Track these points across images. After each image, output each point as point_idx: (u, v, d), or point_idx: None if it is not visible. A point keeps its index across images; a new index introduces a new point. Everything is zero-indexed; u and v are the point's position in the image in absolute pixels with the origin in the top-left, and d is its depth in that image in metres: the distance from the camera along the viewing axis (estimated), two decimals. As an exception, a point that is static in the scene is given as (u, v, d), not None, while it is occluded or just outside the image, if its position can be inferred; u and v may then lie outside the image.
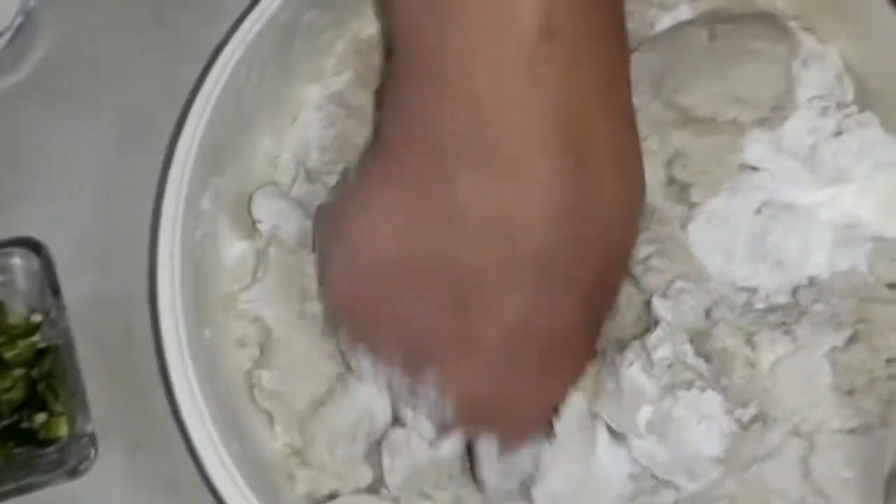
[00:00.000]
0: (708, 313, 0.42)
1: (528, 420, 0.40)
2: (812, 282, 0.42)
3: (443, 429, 0.40)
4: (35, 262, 0.45)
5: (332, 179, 0.46)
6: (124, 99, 0.50)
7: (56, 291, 0.45)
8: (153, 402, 0.45)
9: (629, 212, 0.39)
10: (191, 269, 0.41)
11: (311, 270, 0.44)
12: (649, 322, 0.41)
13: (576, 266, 0.37)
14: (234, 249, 0.45)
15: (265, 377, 0.42)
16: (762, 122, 0.43)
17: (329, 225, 0.41)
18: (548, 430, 0.40)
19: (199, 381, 0.40)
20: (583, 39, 0.34)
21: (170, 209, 0.41)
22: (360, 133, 0.46)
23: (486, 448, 0.40)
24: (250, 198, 0.44)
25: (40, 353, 0.45)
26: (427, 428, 0.40)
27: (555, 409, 0.40)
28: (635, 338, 0.40)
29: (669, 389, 0.39)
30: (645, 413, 0.39)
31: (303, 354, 0.43)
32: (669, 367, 0.39)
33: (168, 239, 0.41)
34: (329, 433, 0.42)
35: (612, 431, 0.40)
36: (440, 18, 0.34)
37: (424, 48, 0.35)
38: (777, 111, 0.44)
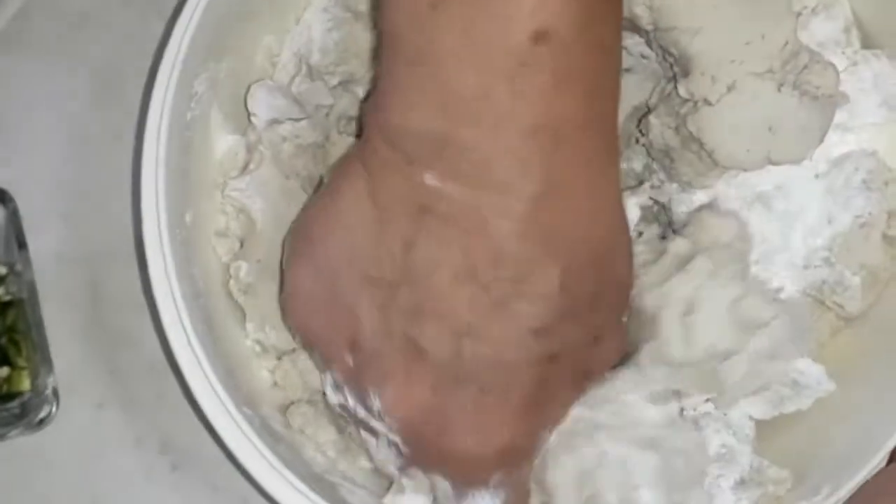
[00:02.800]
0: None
1: (480, 458, 0.37)
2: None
3: (402, 463, 0.39)
4: (0, 213, 0.44)
5: (333, 80, 0.45)
6: (98, 52, 0.49)
7: (22, 244, 0.45)
8: (119, 360, 0.45)
9: (603, 247, 0.36)
10: (177, 150, 0.40)
11: (304, 170, 0.43)
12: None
13: (539, 291, 0.35)
14: (226, 142, 0.44)
15: (243, 269, 0.41)
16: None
17: (295, 230, 0.40)
18: (511, 477, 0.38)
19: (176, 263, 0.39)
20: (574, 47, 0.32)
21: (162, 84, 0.40)
22: (365, 38, 0.45)
23: (441, 487, 0.38)
24: (247, 90, 0.43)
25: (4, 307, 0.44)
26: (389, 460, 0.39)
27: (519, 455, 0.38)
28: None
29: None
30: None
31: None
32: None
33: (157, 114, 0.40)
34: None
35: None
36: (433, 20, 0.32)
37: (413, 49, 0.33)
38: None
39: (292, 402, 0.41)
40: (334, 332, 0.38)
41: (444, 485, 0.38)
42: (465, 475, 0.37)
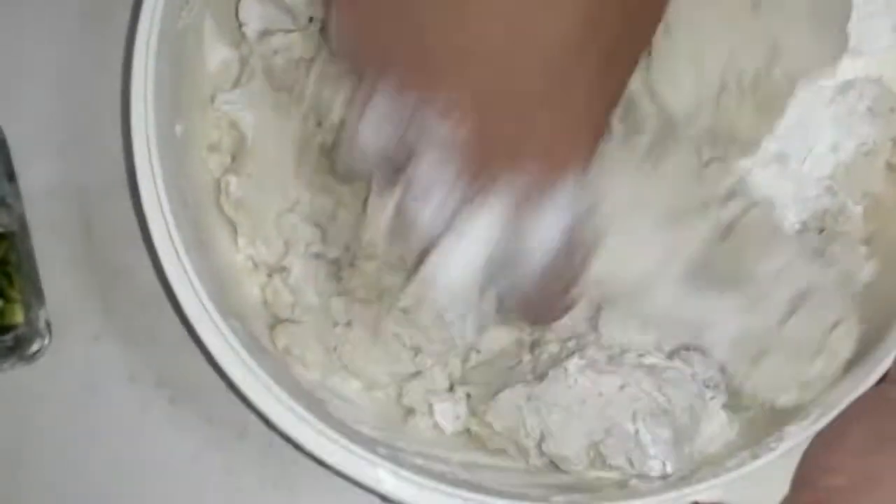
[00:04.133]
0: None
1: (552, 158, 0.35)
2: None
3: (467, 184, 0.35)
4: None
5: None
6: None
7: (12, 176, 0.44)
8: (114, 294, 0.45)
9: None
10: (168, 60, 0.40)
11: (296, 85, 0.42)
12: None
13: None
14: (219, 55, 0.43)
15: (233, 183, 0.41)
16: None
17: None
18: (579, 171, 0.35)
19: (165, 178, 0.38)
20: None
21: (152, -6, 0.39)
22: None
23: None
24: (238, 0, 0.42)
25: None
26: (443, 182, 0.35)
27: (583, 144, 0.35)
28: None
29: None
30: None
31: (274, 165, 0.42)
32: None
33: (147, 23, 0.39)
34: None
35: None
36: None
37: None
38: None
39: (280, 322, 0.41)
40: (391, 40, 0.35)
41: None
42: (537, 178, 0.35)
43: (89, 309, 0.45)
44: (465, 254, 0.35)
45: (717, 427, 0.40)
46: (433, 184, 0.35)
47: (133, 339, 0.45)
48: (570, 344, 0.41)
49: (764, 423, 0.39)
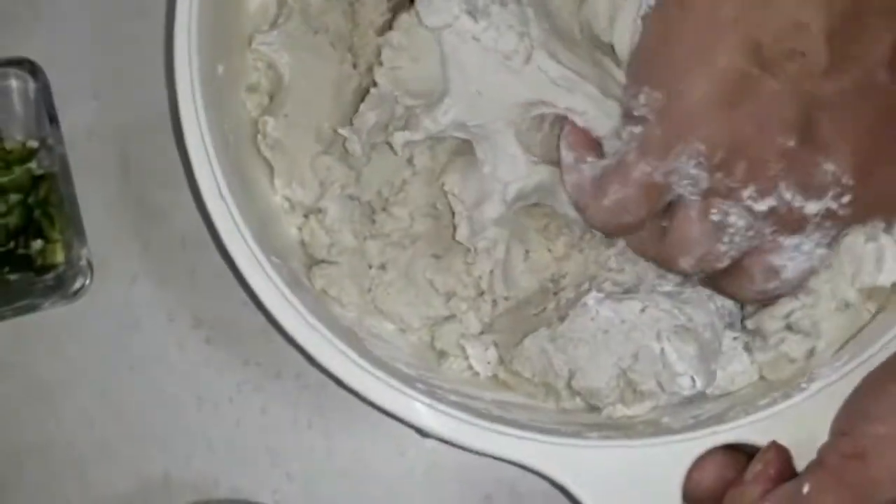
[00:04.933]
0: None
1: None
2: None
3: None
4: (31, 85, 0.44)
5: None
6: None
7: (53, 118, 0.44)
8: (152, 234, 0.46)
9: None
10: (209, 4, 0.40)
11: (333, 25, 0.42)
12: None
13: None
14: (258, -2, 0.43)
15: (270, 124, 0.41)
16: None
17: None
18: None
19: (208, 117, 0.39)
20: None
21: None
22: None
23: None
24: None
25: (36, 181, 0.45)
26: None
27: None
28: None
29: None
30: None
31: (311, 106, 0.42)
32: None
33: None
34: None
35: None
36: None
37: None
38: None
39: (316, 262, 0.42)
40: None
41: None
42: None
43: (129, 249, 0.46)
44: None
45: (739, 367, 0.40)
46: None
47: (171, 279, 0.46)
48: (586, 286, 0.41)
49: (788, 368, 0.40)
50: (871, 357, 0.38)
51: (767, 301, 0.39)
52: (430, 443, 0.44)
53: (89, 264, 0.45)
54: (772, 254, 0.37)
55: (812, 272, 0.38)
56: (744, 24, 0.34)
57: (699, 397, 0.40)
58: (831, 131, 0.35)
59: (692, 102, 0.35)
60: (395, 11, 0.41)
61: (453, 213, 0.41)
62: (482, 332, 0.42)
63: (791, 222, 0.36)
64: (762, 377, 0.40)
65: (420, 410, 0.37)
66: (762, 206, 0.36)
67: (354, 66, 0.43)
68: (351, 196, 0.42)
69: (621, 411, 0.40)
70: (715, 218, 0.36)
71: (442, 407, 0.37)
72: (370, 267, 0.42)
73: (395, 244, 0.42)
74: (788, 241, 0.37)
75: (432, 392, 0.38)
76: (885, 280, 0.38)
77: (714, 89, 0.35)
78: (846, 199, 0.36)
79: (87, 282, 0.45)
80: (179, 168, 0.45)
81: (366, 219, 0.42)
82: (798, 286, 0.38)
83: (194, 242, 0.45)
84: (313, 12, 0.42)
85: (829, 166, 0.35)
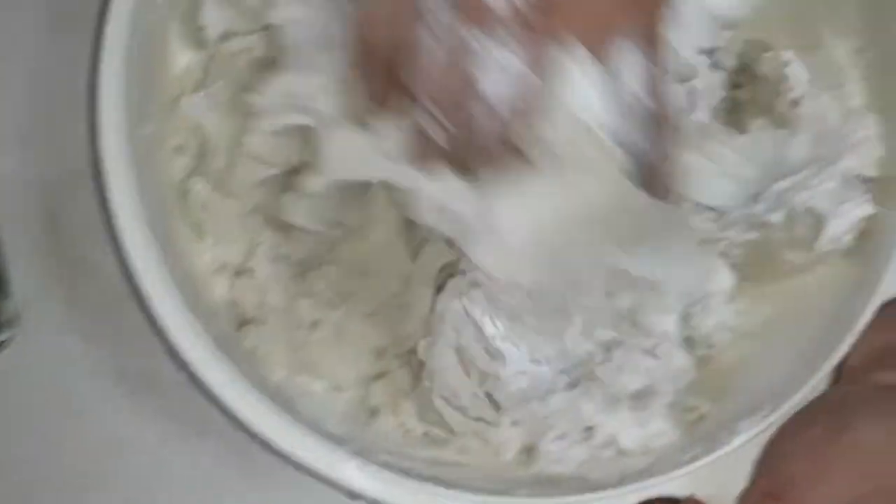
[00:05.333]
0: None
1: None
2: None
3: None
4: None
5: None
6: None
7: None
8: (78, 288, 0.46)
9: None
10: (134, 66, 0.40)
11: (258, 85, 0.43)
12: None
13: None
14: (183, 58, 0.44)
15: (199, 185, 0.41)
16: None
17: None
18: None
19: (132, 177, 0.39)
20: None
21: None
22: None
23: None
24: (199, 4, 0.43)
25: None
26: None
27: None
28: None
29: None
30: None
31: (240, 167, 0.42)
32: None
33: (115, 26, 0.39)
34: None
35: None
36: None
37: None
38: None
39: (246, 322, 0.42)
40: None
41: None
42: (595, 19, 0.34)
43: (54, 302, 0.46)
44: None
45: (662, 425, 0.41)
46: None
47: (96, 333, 0.46)
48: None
49: (712, 424, 0.41)
50: (790, 409, 0.39)
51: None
52: (359, 504, 0.44)
53: (15, 317, 0.45)
54: (470, 59, 0.33)
55: (516, 101, 0.34)
56: None
57: (626, 453, 0.41)
58: None
59: None
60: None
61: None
62: (415, 389, 0.42)
63: (472, 10, 0.33)
64: (685, 432, 0.41)
65: (349, 473, 0.37)
66: None
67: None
68: (282, 255, 0.42)
69: (552, 468, 0.41)
70: None
71: (371, 468, 0.37)
72: (300, 326, 0.42)
73: (327, 303, 0.42)
74: (482, 43, 0.33)
75: (362, 452, 0.38)
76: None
77: None
78: None
79: (13, 334, 0.45)
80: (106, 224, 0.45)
81: (297, 277, 0.42)
82: (502, 114, 0.34)
83: (120, 296, 0.45)
84: (238, 75, 0.42)
85: None
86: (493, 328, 0.40)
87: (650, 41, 0.35)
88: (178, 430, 0.45)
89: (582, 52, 0.33)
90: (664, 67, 0.35)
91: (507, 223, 0.34)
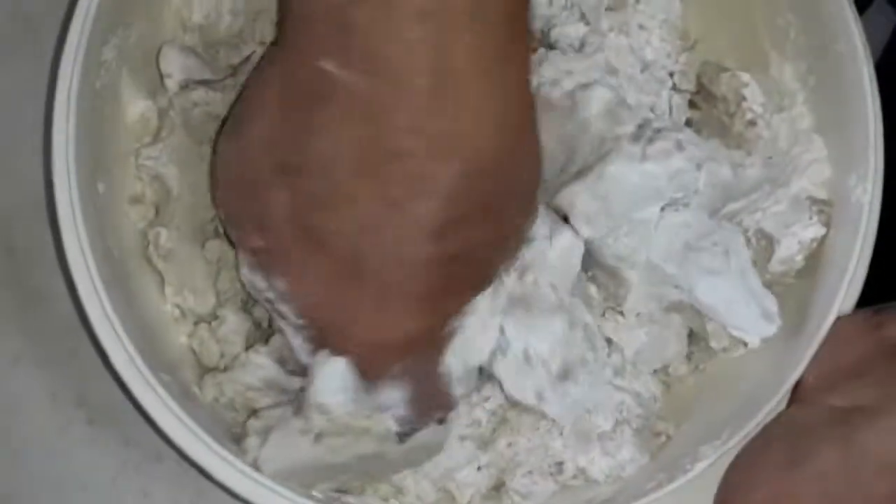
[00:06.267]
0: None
1: (378, 349, 0.38)
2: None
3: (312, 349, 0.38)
4: None
5: (246, 49, 0.45)
6: (6, 5, 0.48)
7: None
8: (33, 316, 0.45)
9: (507, 148, 0.35)
10: (87, 120, 0.40)
11: (216, 133, 0.43)
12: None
13: (437, 191, 0.34)
14: (137, 108, 0.44)
15: (163, 235, 0.42)
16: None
17: (228, 115, 0.41)
18: (416, 369, 0.38)
19: (90, 234, 0.39)
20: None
21: (69, 56, 0.40)
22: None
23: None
24: (158, 51, 0.43)
25: None
26: (302, 347, 0.39)
27: (418, 348, 0.38)
28: None
29: None
30: None
31: (199, 217, 0.42)
32: None
33: (65, 86, 0.39)
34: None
35: None
36: None
37: None
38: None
39: (208, 370, 0.42)
40: (246, 214, 0.38)
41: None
42: (367, 364, 0.37)
43: (10, 331, 0.45)
44: None
45: (628, 454, 0.42)
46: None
47: (53, 360, 0.45)
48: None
49: (676, 449, 0.41)
50: (748, 434, 0.39)
51: None
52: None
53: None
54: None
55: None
56: None
57: (591, 483, 0.41)
58: None
59: None
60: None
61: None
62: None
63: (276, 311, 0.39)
64: (651, 459, 0.42)
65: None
66: None
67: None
68: (246, 309, 0.43)
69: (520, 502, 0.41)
70: None
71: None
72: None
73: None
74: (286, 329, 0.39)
75: (327, 500, 0.38)
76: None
77: None
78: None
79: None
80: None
81: (258, 331, 0.43)
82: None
83: (76, 324, 0.45)
84: (196, 123, 0.43)
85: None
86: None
87: (419, 383, 0.38)
88: (137, 455, 0.45)
89: (344, 367, 0.38)
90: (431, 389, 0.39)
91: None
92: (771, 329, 0.41)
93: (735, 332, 0.41)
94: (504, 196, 0.36)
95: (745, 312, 0.41)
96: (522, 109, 0.36)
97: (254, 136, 0.37)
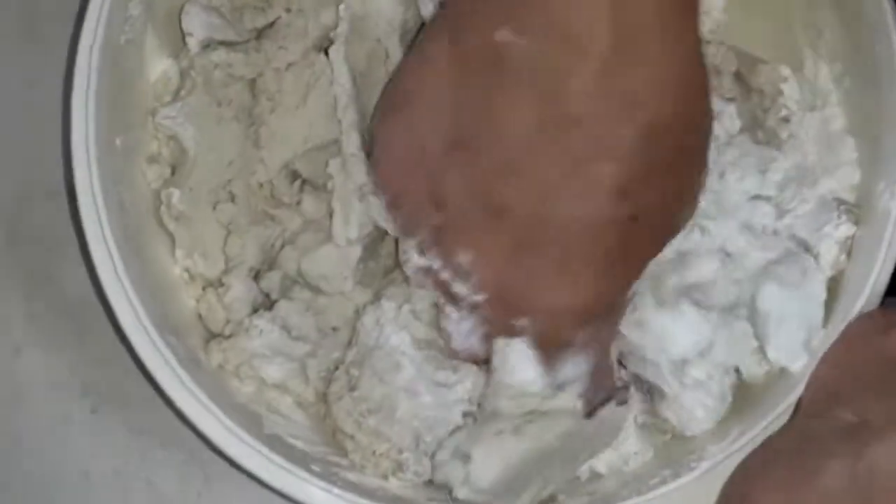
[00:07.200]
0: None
1: (563, 315, 0.38)
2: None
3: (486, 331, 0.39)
4: None
5: (272, 13, 0.44)
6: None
7: None
8: (39, 301, 0.45)
9: (682, 105, 0.35)
10: (109, 74, 0.40)
11: (236, 98, 0.42)
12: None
13: (617, 151, 0.35)
14: (160, 66, 0.43)
15: (175, 196, 0.41)
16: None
17: (387, 91, 0.40)
18: (595, 337, 0.38)
19: (104, 188, 0.39)
20: None
21: (95, 8, 0.39)
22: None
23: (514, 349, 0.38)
24: (181, 9, 0.42)
25: None
26: (471, 335, 0.39)
27: (601, 314, 0.38)
28: None
29: None
30: None
31: (215, 179, 0.42)
32: None
33: (90, 36, 0.39)
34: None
35: None
36: None
37: None
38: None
39: (214, 336, 0.41)
40: (421, 192, 0.38)
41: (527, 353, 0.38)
42: (550, 334, 0.38)
43: (13, 316, 0.45)
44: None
45: (632, 447, 0.41)
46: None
47: (57, 347, 0.45)
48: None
49: (680, 448, 0.41)
50: (756, 437, 0.39)
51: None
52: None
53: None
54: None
55: (476, 354, 0.39)
56: None
57: (595, 476, 0.41)
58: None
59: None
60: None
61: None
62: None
63: (443, 291, 0.39)
64: (655, 455, 0.41)
65: (314, 493, 0.37)
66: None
67: (256, 144, 0.42)
68: (255, 276, 0.42)
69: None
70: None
71: (337, 490, 0.37)
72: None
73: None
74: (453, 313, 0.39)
75: (328, 472, 0.38)
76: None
77: None
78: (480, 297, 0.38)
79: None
80: (68, 233, 0.44)
81: (264, 299, 0.42)
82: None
83: (82, 309, 0.45)
84: (216, 85, 0.42)
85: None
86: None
87: (598, 353, 0.39)
88: (142, 444, 0.45)
89: (526, 346, 0.38)
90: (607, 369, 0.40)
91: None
92: (802, 360, 0.40)
93: (770, 351, 0.40)
94: (682, 152, 0.37)
95: (791, 334, 0.40)
96: (697, 63, 0.36)
97: (424, 110, 0.37)
